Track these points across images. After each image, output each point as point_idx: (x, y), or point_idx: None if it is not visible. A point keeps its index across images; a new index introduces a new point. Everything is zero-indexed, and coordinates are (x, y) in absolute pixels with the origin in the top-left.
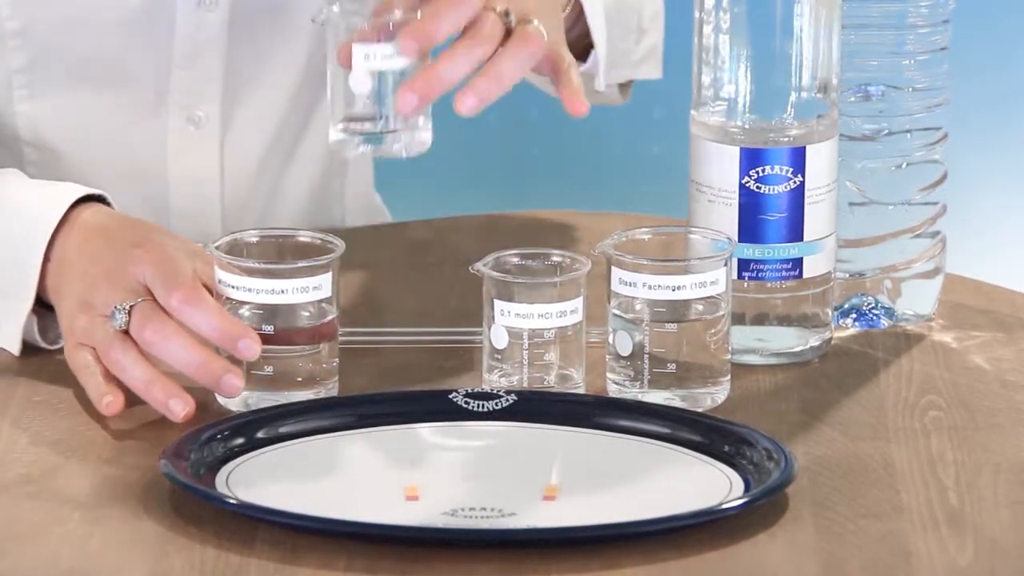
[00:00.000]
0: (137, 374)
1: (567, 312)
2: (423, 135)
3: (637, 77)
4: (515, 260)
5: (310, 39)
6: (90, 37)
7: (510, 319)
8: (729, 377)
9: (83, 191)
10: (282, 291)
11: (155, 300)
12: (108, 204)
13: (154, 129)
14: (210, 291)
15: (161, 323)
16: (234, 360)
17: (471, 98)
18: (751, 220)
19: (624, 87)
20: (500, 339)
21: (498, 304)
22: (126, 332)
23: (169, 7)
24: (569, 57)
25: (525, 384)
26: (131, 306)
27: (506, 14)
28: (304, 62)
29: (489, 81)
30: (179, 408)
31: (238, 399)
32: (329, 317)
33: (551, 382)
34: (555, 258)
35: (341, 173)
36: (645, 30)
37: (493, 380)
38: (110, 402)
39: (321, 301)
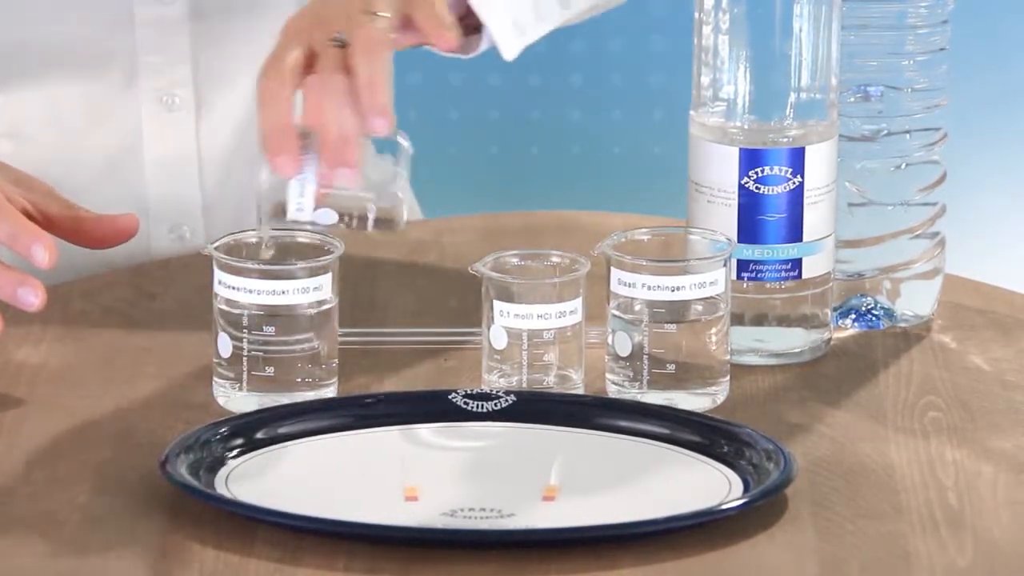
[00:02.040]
0: None
1: (566, 313)
2: (397, 215)
3: None
4: (514, 260)
5: (274, 22)
6: (53, 27)
7: (509, 320)
8: (728, 378)
9: None
10: (282, 292)
11: None
12: None
13: (128, 115)
14: (31, 216)
15: None
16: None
17: (377, 121)
18: (750, 221)
19: None
20: (499, 340)
21: (497, 305)
22: None
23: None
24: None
25: (524, 385)
26: None
27: (333, 40)
28: (271, 44)
29: (370, 94)
30: (29, 298)
31: (237, 399)
32: (329, 318)
33: (550, 383)
34: (554, 259)
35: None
36: None
37: (492, 380)
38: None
39: (321, 301)
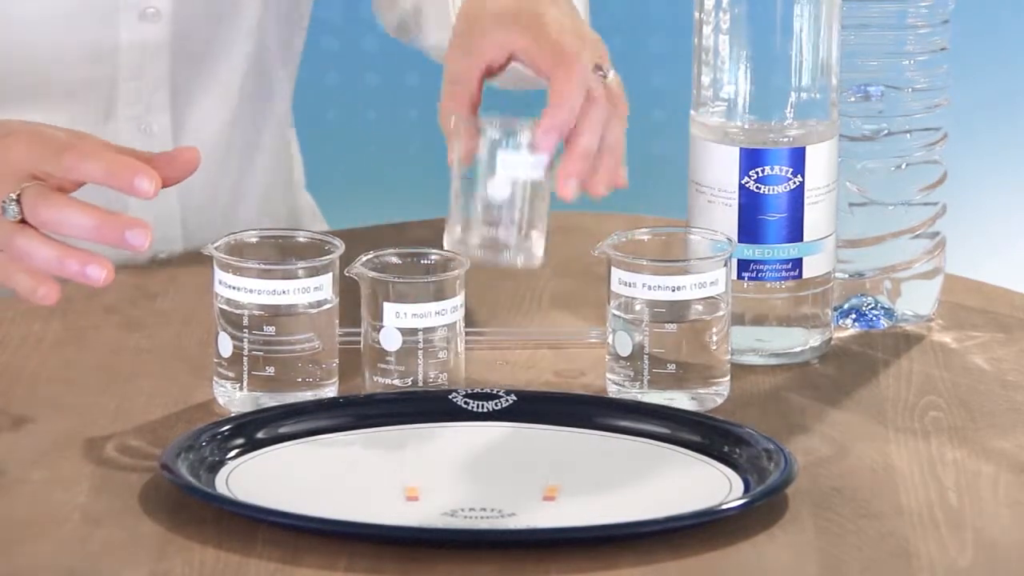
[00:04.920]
0: (46, 254)
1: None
2: (538, 249)
3: None
4: (394, 260)
5: (248, 43)
6: (39, 57)
7: (407, 320)
8: (729, 377)
9: None
10: (283, 291)
11: (40, 181)
12: None
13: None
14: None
15: (52, 199)
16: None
17: (601, 186)
18: (751, 220)
19: None
20: (392, 341)
21: (388, 306)
22: (23, 221)
23: (112, 22)
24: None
25: (420, 384)
26: (18, 195)
27: (597, 68)
28: (245, 67)
29: (609, 159)
30: (97, 273)
31: (237, 399)
32: (329, 318)
33: (443, 381)
34: (433, 257)
35: (288, 177)
36: None
37: (384, 383)
38: (44, 293)
39: (321, 301)
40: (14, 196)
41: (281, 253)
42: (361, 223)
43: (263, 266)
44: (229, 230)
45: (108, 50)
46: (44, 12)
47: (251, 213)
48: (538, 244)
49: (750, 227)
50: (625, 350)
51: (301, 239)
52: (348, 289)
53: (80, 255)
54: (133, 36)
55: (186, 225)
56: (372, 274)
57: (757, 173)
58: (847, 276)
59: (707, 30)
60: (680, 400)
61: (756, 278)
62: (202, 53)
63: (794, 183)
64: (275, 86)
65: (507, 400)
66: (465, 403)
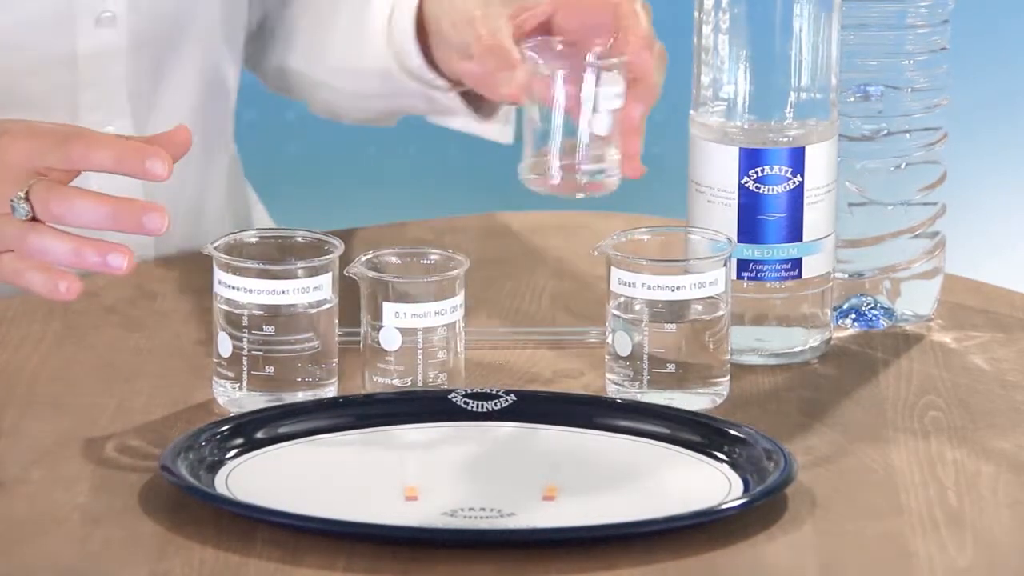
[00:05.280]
0: (63, 248)
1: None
2: (616, 177)
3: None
4: (393, 260)
5: (202, 43)
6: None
7: (406, 320)
8: (728, 377)
9: None
10: (282, 291)
11: (43, 177)
12: None
13: None
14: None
15: (62, 193)
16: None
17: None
18: (750, 220)
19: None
20: (392, 341)
21: (388, 306)
22: (34, 219)
23: (69, 29)
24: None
25: (420, 382)
26: (26, 192)
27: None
28: (201, 67)
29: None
30: (119, 261)
31: (237, 399)
32: (329, 317)
33: (443, 381)
34: (433, 257)
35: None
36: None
37: (383, 383)
38: (67, 287)
39: (321, 301)
40: (22, 194)
41: (281, 253)
42: (361, 223)
43: (263, 266)
44: (196, 231)
45: (67, 57)
46: (1, 22)
47: (217, 210)
48: (615, 172)
49: (750, 227)
50: (625, 350)
51: (301, 239)
52: (348, 289)
53: (99, 245)
54: (91, 42)
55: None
56: (372, 274)
57: (757, 173)
58: (847, 276)
59: (707, 30)
60: (680, 400)
61: (756, 278)
62: (159, 56)
63: (794, 183)
64: (228, 84)
65: (507, 400)
66: (465, 403)
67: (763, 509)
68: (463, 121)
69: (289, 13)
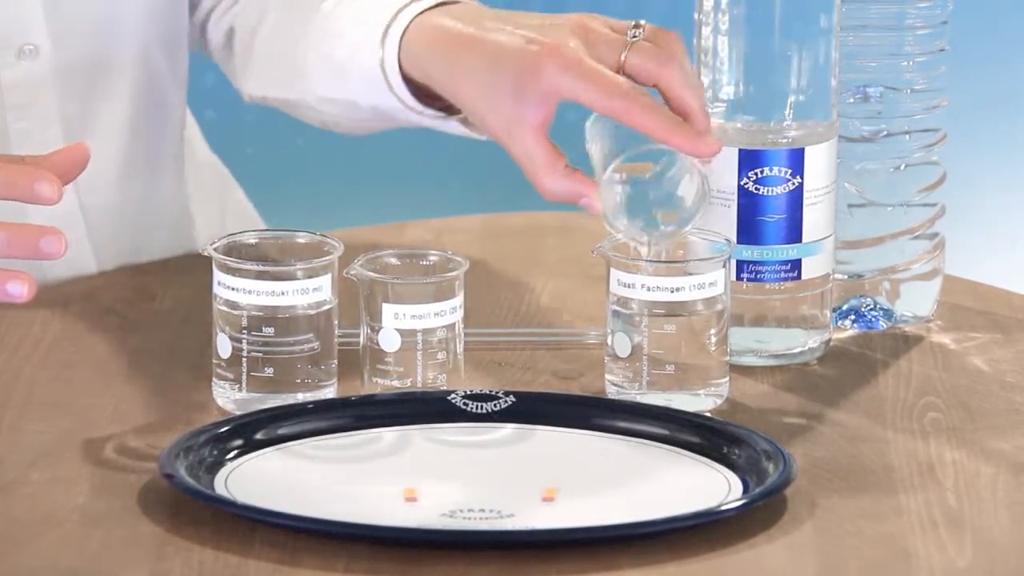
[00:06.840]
0: None
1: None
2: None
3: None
4: (392, 261)
5: (135, 70)
6: None
7: (405, 321)
8: (728, 378)
9: None
10: (282, 292)
11: None
12: None
13: None
14: None
15: None
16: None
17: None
18: (750, 221)
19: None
20: (391, 342)
21: (387, 307)
22: None
23: None
24: None
25: (419, 383)
26: None
27: (635, 26)
28: (135, 92)
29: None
30: (19, 289)
31: (237, 399)
32: (329, 318)
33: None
34: (432, 258)
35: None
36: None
37: (386, 383)
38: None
39: (321, 302)
40: None
41: (280, 254)
42: (361, 223)
43: (262, 267)
44: (140, 249)
45: None
46: None
47: (171, 222)
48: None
49: (749, 228)
50: (624, 351)
51: (300, 240)
52: (347, 290)
53: (35, 229)
54: (14, 74)
55: (97, 252)
56: (371, 275)
57: (756, 174)
58: (846, 277)
59: (706, 31)
60: (679, 401)
61: (755, 279)
62: (89, 79)
63: (793, 184)
64: (169, 100)
65: (506, 401)
66: (464, 404)
67: (763, 510)
68: (464, 130)
69: (259, 41)
